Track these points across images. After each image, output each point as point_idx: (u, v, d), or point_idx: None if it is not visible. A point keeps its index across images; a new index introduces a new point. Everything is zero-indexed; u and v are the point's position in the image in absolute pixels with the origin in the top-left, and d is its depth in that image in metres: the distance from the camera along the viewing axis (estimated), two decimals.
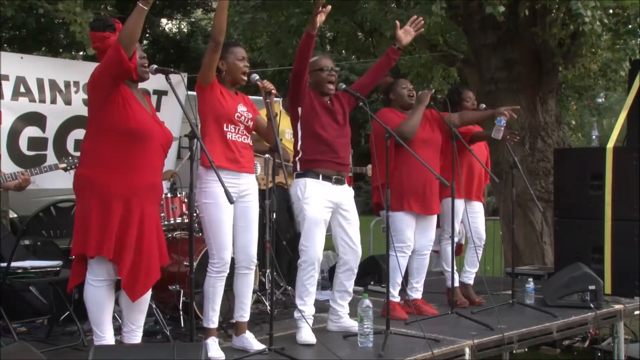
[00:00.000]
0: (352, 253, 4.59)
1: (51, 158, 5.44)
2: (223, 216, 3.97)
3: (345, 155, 4.56)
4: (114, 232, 3.45)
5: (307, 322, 4.34)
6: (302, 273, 4.44)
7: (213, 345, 3.99)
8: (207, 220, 3.98)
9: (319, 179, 4.43)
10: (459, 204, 5.41)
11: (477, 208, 5.72)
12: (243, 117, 4.08)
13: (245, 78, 4.13)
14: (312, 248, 4.39)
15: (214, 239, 3.99)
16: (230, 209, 3.99)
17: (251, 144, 4.19)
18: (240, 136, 4.08)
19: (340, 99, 4.62)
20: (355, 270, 4.64)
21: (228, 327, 4.48)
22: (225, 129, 4.01)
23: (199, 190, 3.95)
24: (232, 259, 4.14)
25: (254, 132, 4.27)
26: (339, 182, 4.50)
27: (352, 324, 4.57)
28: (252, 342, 4.12)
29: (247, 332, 4.19)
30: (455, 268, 5.49)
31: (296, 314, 4.43)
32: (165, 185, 5.06)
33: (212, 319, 4.06)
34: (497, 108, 5.41)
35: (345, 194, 4.55)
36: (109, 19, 3.60)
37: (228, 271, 4.06)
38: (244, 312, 4.20)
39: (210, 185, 3.93)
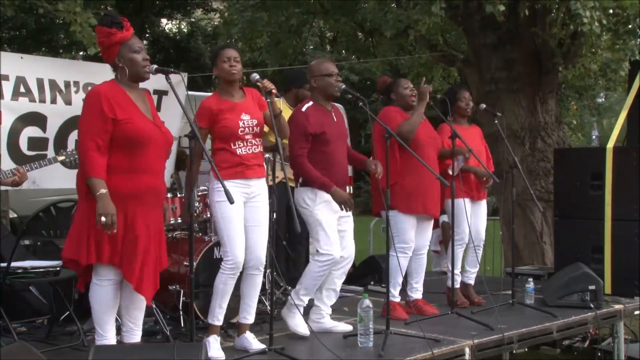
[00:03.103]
0: (348, 252, 4.61)
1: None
2: (235, 213, 4.01)
3: (342, 173, 4.56)
4: (118, 240, 3.46)
5: (298, 310, 4.42)
6: (317, 269, 4.44)
7: (214, 345, 4.01)
8: (220, 218, 4.03)
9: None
10: (466, 204, 5.42)
11: (482, 207, 5.73)
12: (248, 128, 4.10)
13: (234, 72, 4.12)
14: (333, 249, 4.42)
15: (227, 236, 4.03)
16: (241, 207, 4.05)
17: (262, 150, 4.22)
18: (250, 147, 4.11)
19: (341, 115, 4.66)
20: (347, 271, 4.68)
21: (228, 327, 4.48)
22: (233, 146, 4.07)
23: (212, 190, 4.08)
24: None
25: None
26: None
27: (334, 324, 4.62)
28: (251, 342, 4.13)
29: (247, 332, 4.19)
30: (459, 270, 5.53)
31: (291, 299, 4.45)
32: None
33: (218, 316, 4.07)
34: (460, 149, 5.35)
35: None
36: (117, 16, 3.59)
37: (241, 269, 4.07)
38: (247, 314, 4.21)
39: (219, 185, 3.94)
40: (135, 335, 3.71)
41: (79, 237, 3.49)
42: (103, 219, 3.34)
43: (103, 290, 3.54)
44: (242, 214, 4.08)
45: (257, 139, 4.15)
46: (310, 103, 4.57)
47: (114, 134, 3.46)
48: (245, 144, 4.09)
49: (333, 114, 4.60)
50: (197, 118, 4.05)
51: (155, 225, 3.63)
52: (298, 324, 4.44)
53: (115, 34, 3.51)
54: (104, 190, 3.37)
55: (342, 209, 4.42)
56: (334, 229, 4.45)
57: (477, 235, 5.62)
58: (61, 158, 4.65)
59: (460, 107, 5.62)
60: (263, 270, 4.22)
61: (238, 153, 4.06)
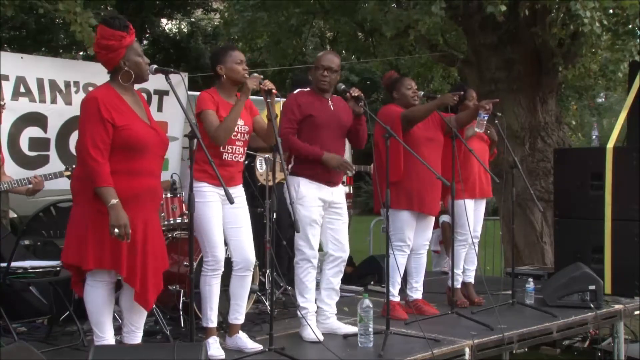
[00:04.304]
0: (342, 250, 4.59)
1: (54, 159, 5.43)
2: (213, 214, 4.03)
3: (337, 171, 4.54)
4: (118, 244, 3.43)
5: (308, 320, 4.36)
6: (299, 271, 4.46)
7: (214, 344, 4.01)
8: (198, 218, 3.98)
9: (312, 180, 4.44)
10: (469, 204, 5.42)
11: (481, 206, 5.73)
12: (240, 134, 4.10)
13: (247, 77, 4.14)
14: (308, 246, 4.41)
15: (206, 237, 4.04)
16: (219, 208, 4.05)
17: (242, 159, 4.21)
18: (236, 155, 4.12)
19: (344, 106, 4.60)
20: (343, 269, 4.65)
21: (228, 327, 4.48)
22: (221, 149, 4.06)
23: (193, 190, 3.99)
24: (228, 260, 4.18)
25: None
26: (332, 185, 4.51)
27: (339, 326, 4.59)
28: (246, 341, 4.14)
29: (240, 332, 4.20)
30: (461, 270, 5.53)
31: (299, 312, 4.44)
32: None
33: (211, 318, 4.07)
34: (479, 104, 5.37)
35: (338, 193, 4.56)
36: (123, 19, 3.58)
37: (222, 269, 4.09)
38: (238, 315, 4.21)
39: (200, 185, 3.96)
40: (136, 336, 3.70)
41: (79, 242, 3.47)
42: (116, 230, 3.33)
43: (98, 291, 3.52)
44: (221, 214, 4.08)
45: (244, 148, 4.17)
46: (308, 89, 4.59)
47: (113, 139, 3.44)
48: (233, 151, 4.10)
49: (330, 102, 4.54)
50: (202, 104, 4.02)
51: (154, 227, 3.61)
52: (309, 332, 4.39)
53: (125, 38, 3.50)
54: (115, 201, 3.35)
55: (346, 173, 4.31)
56: (312, 226, 4.40)
57: (473, 233, 5.62)
58: (67, 174, 4.74)
59: (469, 106, 5.58)
60: (251, 270, 4.22)
61: (224, 157, 4.05)
